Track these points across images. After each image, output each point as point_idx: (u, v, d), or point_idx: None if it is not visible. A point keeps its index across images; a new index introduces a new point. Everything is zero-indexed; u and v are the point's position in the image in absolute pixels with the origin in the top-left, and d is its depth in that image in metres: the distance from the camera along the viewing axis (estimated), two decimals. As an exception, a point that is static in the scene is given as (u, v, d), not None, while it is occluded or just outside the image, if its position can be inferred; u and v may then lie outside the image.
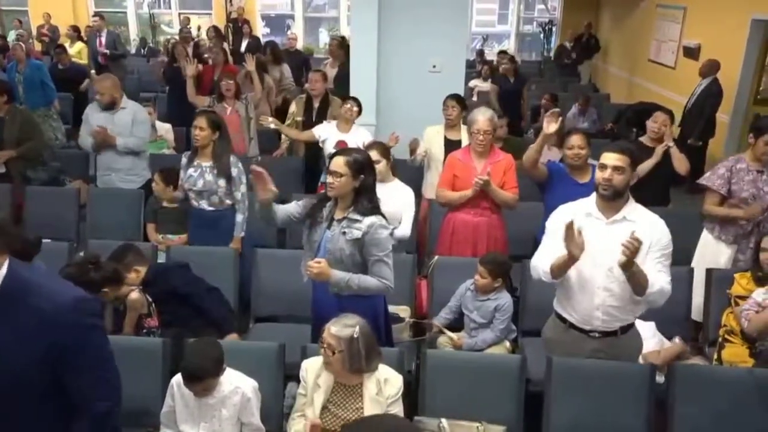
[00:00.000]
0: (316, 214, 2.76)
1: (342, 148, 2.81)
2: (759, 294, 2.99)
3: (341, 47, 6.87)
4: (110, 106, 4.45)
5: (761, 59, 6.83)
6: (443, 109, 4.53)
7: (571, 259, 2.39)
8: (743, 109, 6.83)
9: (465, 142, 4.12)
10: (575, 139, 3.54)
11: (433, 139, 4.39)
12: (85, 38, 9.58)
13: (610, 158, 2.43)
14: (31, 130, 5.01)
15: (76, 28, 9.86)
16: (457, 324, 3.39)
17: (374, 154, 3.68)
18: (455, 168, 3.72)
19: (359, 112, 4.71)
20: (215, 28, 9.50)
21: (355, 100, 4.74)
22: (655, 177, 4.02)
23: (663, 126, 4.04)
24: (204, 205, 3.78)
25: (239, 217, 3.79)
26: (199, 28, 11.78)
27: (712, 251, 3.66)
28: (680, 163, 3.97)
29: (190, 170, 3.76)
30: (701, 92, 6.47)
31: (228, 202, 3.77)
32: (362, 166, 2.63)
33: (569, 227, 2.32)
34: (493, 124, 3.67)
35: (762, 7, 6.45)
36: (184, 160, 3.85)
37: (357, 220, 2.63)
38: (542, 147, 3.50)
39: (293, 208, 2.83)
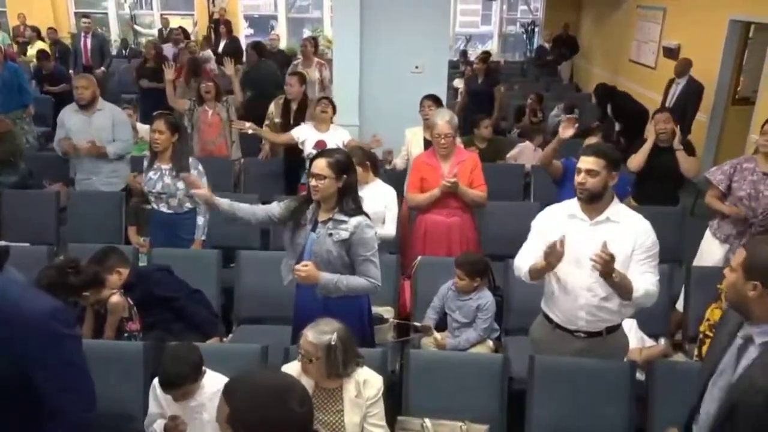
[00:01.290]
0: (298, 216, 2.75)
1: (322, 150, 2.81)
2: None
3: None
4: (88, 106, 4.40)
5: (739, 59, 6.93)
6: (420, 110, 4.55)
7: (548, 267, 2.43)
8: (721, 108, 6.92)
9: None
10: (591, 140, 3.60)
11: (413, 140, 4.40)
12: (69, 39, 9.50)
13: (585, 162, 2.46)
14: (4, 134, 4.95)
15: (35, 29, 9.77)
16: (439, 324, 3.40)
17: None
18: (422, 171, 3.74)
19: (334, 111, 4.67)
20: (183, 30, 9.47)
21: (329, 99, 4.71)
22: (665, 177, 4.13)
23: (666, 124, 4.15)
24: (163, 208, 3.76)
25: (200, 220, 3.77)
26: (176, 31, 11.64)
27: (707, 249, 3.71)
28: (688, 165, 4.09)
29: (150, 173, 3.74)
30: (682, 91, 6.54)
31: (188, 205, 3.76)
32: (344, 166, 2.63)
33: (553, 245, 2.35)
34: (452, 126, 3.69)
35: (739, 7, 6.54)
36: (145, 162, 3.83)
37: (343, 221, 2.62)
38: (556, 149, 3.64)
39: (275, 209, 2.81)
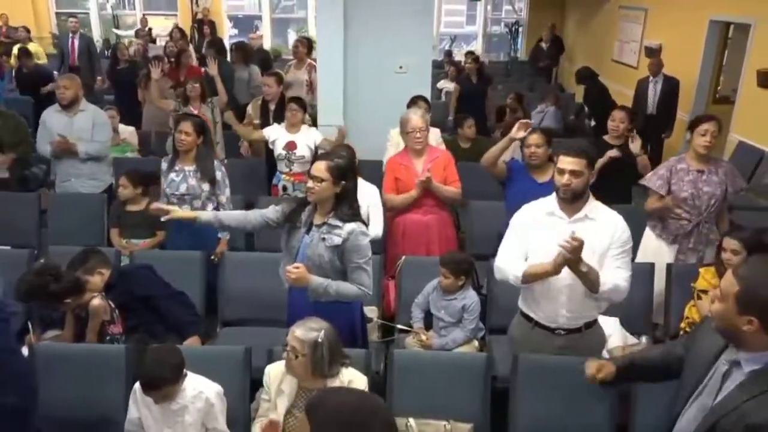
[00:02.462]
0: (294, 218, 2.73)
1: (324, 153, 2.80)
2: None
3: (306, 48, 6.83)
4: (70, 106, 4.35)
5: (719, 59, 7.02)
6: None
7: (554, 274, 2.41)
8: (702, 107, 6.99)
9: (432, 142, 4.15)
10: (533, 138, 3.58)
11: (399, 141, 4.40)
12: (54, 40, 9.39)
13: (568, 162, 2.46)
14: (24, 133, 4.90)
15: (27, 29, 9.66)
16: (424, 323, 3.41)
17: None
18: (396, 171, 3.76)
19: (305, 112, 4.64)
20: (180, 30, 9.38)
21: (298, 102, 4.68)
22: (619, 177, 4.13)
23: (621, 123, 4.19)
24: (186, 209, 3.72)
25: None
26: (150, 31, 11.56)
27: (653, 250, 3.71)
28: (646, 170, 4.11)
29: (172, 175, 3.70)
30: (663, 90, 6.63)
31: (210, 206, 3.73)
32: (344, 172, 2.61)
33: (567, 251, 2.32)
34: (425, 120, 3.73)
35: (719, 8, 6.63)
36: (164, 164, 3.79)
37: (337, 227, 2.61)
38: (504, 149, 3.58)
39: (271, 213, 2.78)
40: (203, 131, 3.72)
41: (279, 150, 4.52)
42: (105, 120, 4.56)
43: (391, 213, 3.93)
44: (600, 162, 4.02)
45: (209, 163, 3.70)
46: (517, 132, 3.48)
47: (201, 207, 3.70)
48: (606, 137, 4.32)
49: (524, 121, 3.57)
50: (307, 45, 6.81)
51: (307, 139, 4.52)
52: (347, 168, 2.64)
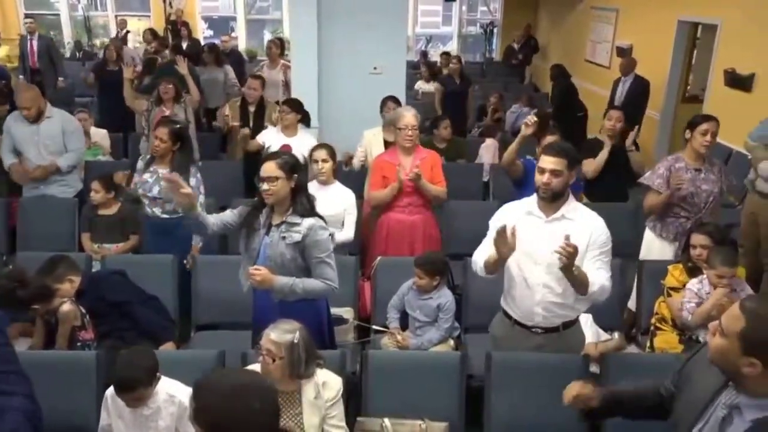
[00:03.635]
0: (252, 222, 2.72)
1: (269, 153, 2.79)
2: (693, 284, 3.11)
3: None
4: (37, 118, 4.22)
5: (688, 59, 7.15)
6: (384, 111, 4.57)
7: (501, 258, 2.44)
8: (672, 106, 7.13)
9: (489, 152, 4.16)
10: (550, 139, 3.63)
11: (373, 141, 4.41)
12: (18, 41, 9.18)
13: (548, 162, 2.48)
14: None
15: None
16: (400, 324, 3.42)
17: (322, 154, 3.70)
18: (384, 169, 3.76)
19: (295, 111, 4.58)
20: (152, 31, 9.27)
21: (288, 103, 4.64)
22: (616, 176, 4.25)
23: (618, 122, 4.31)
24: (158, 212, 3.71)
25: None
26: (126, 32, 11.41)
27: (657, 249, 3.77)
28: (640, 164, 4.32)
29: (146, 175, 3.68)
30: (630, 89, 6.73)
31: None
32: (293, 166, 2.63)
33: (501, 231, 2.36)
34: (418, 119, 3.74)
35: (687, 8, 6.76)
36: (140, 163, 3.77)
37: (296, 223, 2.61)
38: (519, 149, 3.66)
39: (228, 216, 2.78)
40: (181, 138, 3.69)
41: None
42: (76, 126, 4.45)
43: (376, 211, 3.93)
44: (602, 155, 4.22)
45: (184, 169, 3.65)
46: (526, 129, 3.55)
47: (173, 211, 3.66)
48: (599, 136, 4.43)
49: (531, 117, 3.61)
50: (279, 45, 6.79)
51: (302, 142, 4.45)
52: (295, 162, 2.67)
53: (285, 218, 2.64)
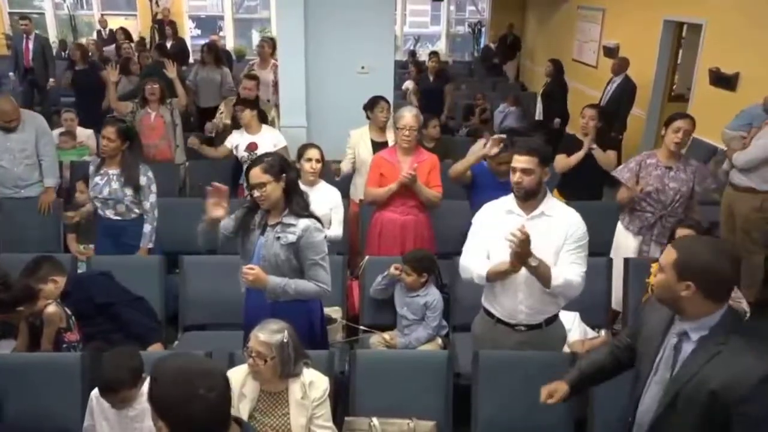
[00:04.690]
0: (247, 222, 2.71)
1: (253, 159, 2.76)
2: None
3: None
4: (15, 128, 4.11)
5: (673, 58, 7.21)
6: (376, 110, 4.55)
7: (515, 270, 2.43)
8: (658, 105, 7.18)
9: (392, 143, 4.16)
10: (504, 157, 3.58)
11: (360, 142, 4.40)
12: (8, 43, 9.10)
13: (519, 161, 2.50)
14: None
15: None
16: (388, 323, 3.42)
17: (316, 154, 3.71)
18: (382, 167, 3.76)
19: (252, 109, 4.57)
20: (123, 30, 9.19)
21: (243, 103, 4.63)
22: (588, 174, 4.29)
23: (591, 120, 4.33)
24: (110, 214, 3.68)
25: (147, 228, 3.69)
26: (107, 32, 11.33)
27: (623, 242, 3.82)
28: (606, 161, 4.27)
29: (97, 178, 3.66)
30: (616, 89, 6.78)
31: (136, 211, 3.67)
32: (280, 166, 2.60)
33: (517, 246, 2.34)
34: (418, 120, 3.74)
35: (672, 8, 6.81)
36: (91, 167, 3.73)
37: (291, 224, 2.60)
38: (471, 165, 3.65)
39: (228, 224, 2.72)
40: (128, 137, 3.65)
41: (241, 152, 4.49)
42: (45, 127, 4.32)
43: (365, 210, 3.92)
44: (576, 156, 4.27)
45: (134, 168, 3.63)
46: (490, 149, 3.52)
47: (125, 212, 3.65)
48: (574, 133, 4.44)
49: (498, 137, 3.59)
50: (272, 45, 6.76)
51: (268, 138, 4.49)
52: (281, 161, 2.64)
53: (281, 219, 2.62)
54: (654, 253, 3.66)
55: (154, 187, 3.68)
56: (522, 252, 2.32)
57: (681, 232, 3.26)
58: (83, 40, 10.62)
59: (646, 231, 3.71)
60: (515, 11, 12.25)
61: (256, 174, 2.56)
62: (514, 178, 2.50)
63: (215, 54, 6.99)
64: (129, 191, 3.61)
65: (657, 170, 3.63)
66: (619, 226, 3.87)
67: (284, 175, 2.59)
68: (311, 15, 5.28)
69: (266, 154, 2.78)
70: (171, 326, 3.50)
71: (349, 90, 5.33)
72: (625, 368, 2.15)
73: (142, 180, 3.62)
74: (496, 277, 2.52)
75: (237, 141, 4.57)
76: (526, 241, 2.29)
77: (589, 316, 3.40)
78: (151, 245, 3.70)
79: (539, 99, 8.08)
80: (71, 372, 2.60)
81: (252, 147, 4.42)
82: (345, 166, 4.44)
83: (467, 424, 2.75)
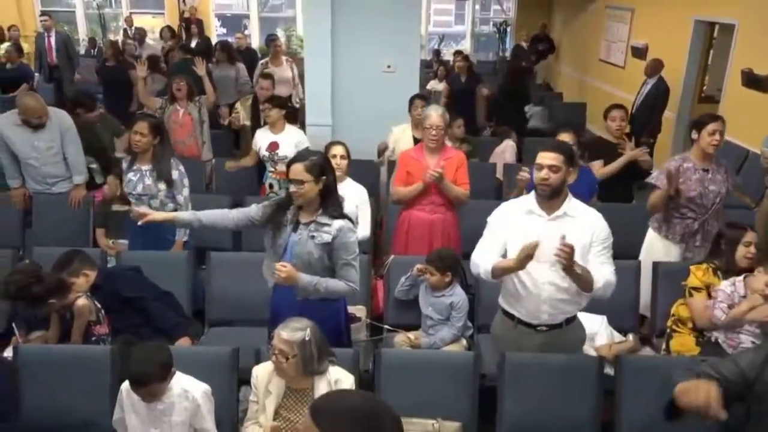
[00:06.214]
0: (278, 218, 2.72)
1: (296, 154, 2.78)
2: (726, 286, 3.03)
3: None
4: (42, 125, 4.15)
5: (704, 59, 7.08)
6: (411, 109, 4.59)
7: (519, 268, 2.44)
8: (688, 107, 7.06)
9: (506, 152, 4.14)
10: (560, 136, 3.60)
11: (401, 138, 4.40)
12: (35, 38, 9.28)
13: (546, 157, 2.47)
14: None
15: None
16: (413, 323, 3.41)
17: (341, 150, 3.72)
18: (408, 165, 3.75)
19: (281, 108, 4.55)
20: (170, 29, 9.32)
21: (272, 101, 4.62)
22: (623, 176, 4.23)
23: (622, 122, 4.29)
24: (144, 209, 3.69)
25: None
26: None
27: (660, 250, 3.72)
28: (649, 165, 4.27)
29: (130, 174, 3.69)
30: (649, 91, 6.66)
31: (170, 206, 3.70)
32: (321, 168, 2.61)
33: (531, 247, 2.34)
34: (444, 119, 3.72)
35: (703, 8, 6.69)
36: (124, 164, 3.78)
37: (326, 224, 2.61)
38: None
39: (254, 211, 2.76)
40: (159, 132, 3.69)
41: (263, 152, 4.51)
42: (69, 124, 4.33)
43: (396, 207, 3.93)
44: (619, 162, 4.22)
45: (165, 163, 3.66)
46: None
47: (159, 207, 3.66)
48: (605, 136, 4.41)
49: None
50: (281, 42, 6.84)
51: (290, 138, 4.47)
52: (323, 164, 2.65)
53: (315, 218, 2.63)
54: (698, 258, 3.55)
55: (186, 181, 3.72)
56: (568, 264, 2.30)
57: (749, 235, 3.12)
58: (116, 39, 10.76)
59: (689, 237, 3.63)
60: (542, 11, 12.14)
61: (298, 170, 2.57)
62: (541, 174, 2.47)
63: (228, 52, 7.08)
64: (162, 186, 3.65)
65: (696, 174, 3.56)
66: (652, 235, 3.79)
67: (324, 177, 2.60)
68: (338, 13, 5.28)
69: (311, 152, 2.79)
70: (198, 322, 3.53)
71: (374, 89, 5.34)
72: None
73: (174, 174, 3.65)
74: (502, 273, 2.51)
75: (260, 140, 4.58)
76: (572, 252, 2.28)
77: (616, 320, 3.35)
78: (186, 239, 3.74)
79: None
80: (101, 365, 2.64)
81: (273, 147, 4.43)
82: (385, 158, 4.45)
83: (491, 425, 2.73)
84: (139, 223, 2.82)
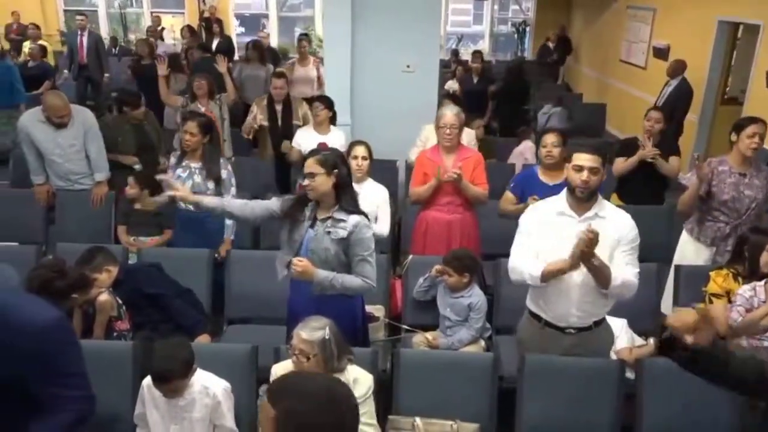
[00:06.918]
0: (296, 213, 2.73)
1: (310, 150, 2.80)
2: (745, 291, 3.00)
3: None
4: (66, 123, 4.18)
5: (727, 60, 6.98)
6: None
7: (573, 269, 2.41)
8: (711, 108, 6.97)
9: (464, 141, 4.12)
10: (548, 137, 3.57)
11: (430, 136, 4.38)
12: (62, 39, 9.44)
13: (587, 159, 2.43)
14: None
15: (36, 26, 9.74)
16: (431, 323, 3.40)
17: (363, 151, 3.72)
18: (425, 166, 3.74)
19: (329, 109, 4.59)
20: (189, 28, 9.39)
21: (322, 99, 4.64)
22: (650, 179, 4.22)
23: (656, 123, 4.24)
24: (191, 206, 3.74)
25: (230, 220, 3.76)
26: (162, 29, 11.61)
27: (692, 252, 3.69)
28: (669, 169, 4.21)
29: (179, 171, 3.73)
30: (672, 92, 6.57)
31: None
32: (334, 162, 2.62)
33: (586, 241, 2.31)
34: (459, 119, 3.71)
35: (727, 8, 6.60)
36: (172, 159, 3.82)
37: (342, 220, 2.62)
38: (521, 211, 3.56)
39: (274, 203, 2.78)
40: (209, 130, 3.73)
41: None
42: (92, 122, 4.36)
43: (414, 208, 3.92)
44: (632, 161, 4.21)
45: (215, 162, 3.72)
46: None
47: None
48: (635, 136, 4.39)
49: (533, 200, 3.46)
50: (309, 42, 6.85)
51: (336, 140, 4.46)
52: (336, 157, 2.67)
53: (331, 214, 2.64)
54: None
55: (234, 180, 3.77)
56: (588, 252, 2.29)
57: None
58: (132, 37, 10.89)
59: (719, 241, 3.58)
60: (561, 11, 12.06)
61: (310, 163, 2.60)
62: (582, 177, 2.43)
63: (260, 52, 7.09)
64: (211, 184, 3.70)
65: (731, 177, 3.50)
66: (686, 237, 3.75)
67: (336, 170, 2.61)
68: (357, 13, 5.29)
69: (323, 148, 2.84)
70: (216, 319, 3.56)
71: (393, 88, 5.33)
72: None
73: (223, 173, 3.70)
74: (553, 276, 2.46)
75: (305, 139, 4.53)
76: (595, 240, 2.27)
77: (637, 323, 3.32)
78: (232, 237, 3.75)
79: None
80: (123, 360, 2.66)
81: (323, 146, 4.42)
82: (413, 155, 4.44)
83: (510, 427, 2.71)
84: (169, 194, 2.80)
